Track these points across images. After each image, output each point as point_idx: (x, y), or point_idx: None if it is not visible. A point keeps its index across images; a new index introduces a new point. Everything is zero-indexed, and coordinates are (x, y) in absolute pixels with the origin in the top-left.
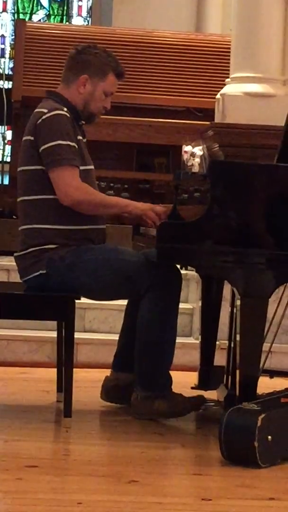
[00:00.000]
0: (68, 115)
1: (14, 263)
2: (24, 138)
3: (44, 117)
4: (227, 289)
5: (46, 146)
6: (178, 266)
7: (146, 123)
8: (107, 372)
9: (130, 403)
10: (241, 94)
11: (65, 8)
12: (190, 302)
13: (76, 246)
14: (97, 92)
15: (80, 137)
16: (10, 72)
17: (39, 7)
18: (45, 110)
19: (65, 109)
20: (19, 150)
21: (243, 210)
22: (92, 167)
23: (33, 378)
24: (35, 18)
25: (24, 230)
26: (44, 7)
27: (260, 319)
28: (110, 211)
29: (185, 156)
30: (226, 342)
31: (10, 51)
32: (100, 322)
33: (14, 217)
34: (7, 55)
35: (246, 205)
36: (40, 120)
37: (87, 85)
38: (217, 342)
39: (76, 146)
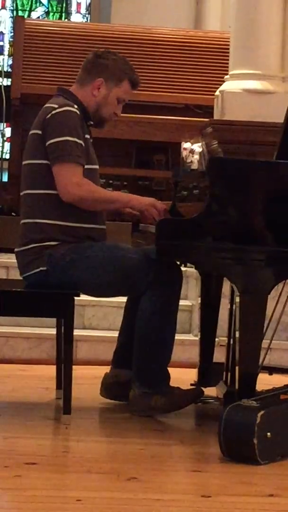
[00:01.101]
0: (78, 112)
1: (14, 260)
2: (32, 132)
3: (54, 112)
4: (226, 286)
5: (53, 141)
6: (178, 263)
7: (145, 120)
8: (107, 369)
9: (129, 400)
10: (240, 91)
11: (64, 5)
12: (189, 299)
13: (77, 243)
14: (110, 97)
15: (87, 136)
16: (9, 69)
17: (38, 4)
18: (56, 106)
19: (76, 106)
20: (18, 147)
21: (242, 207)
22: (97, 166)
23: (32, 375)
24: (34, 15)
25: (25, 224)
26: (43, 4)
27: (259, 316)
28: (112, 206)
29: (184, 153)
30: (226, 339)
31: (9, 48)
32: (100, 319)
33: (13, 214)
34: (6, 52)
35: (245, 202)
36: (49, 115)
37: (102, 89)
38: (217, 339)
39: (83, 144)
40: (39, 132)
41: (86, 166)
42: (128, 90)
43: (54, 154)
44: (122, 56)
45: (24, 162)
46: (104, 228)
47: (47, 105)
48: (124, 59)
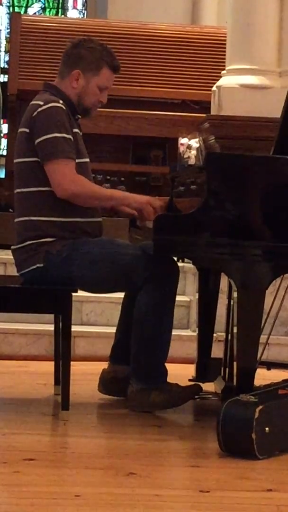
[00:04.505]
0: (64, 107)
1: (11, 257)
2: (20, 130)
3: (40, 109)
4: (224, 281)
5: (42, 138)
6: (175, 259)
7: (142, 115)
8: (105, 364)
9: (127, 395)
10: (237, 86)
11: (61, 1)
12: (187, 295)
13: (73, 239)
14: (90, 87)
15: (76, 130)
16: (6, 66)
17: (34, 0)
18: (41, 103)
19: (61, 101)
20: (15, 143)
21: (239, 202)
22: (87, 160)
23: (30, 371)
24: (31, 11)
25: (20, 222)
26: (39, 0)
27: (257, 311)
28: (107, 203)
29: (181, 149)
30: (224, 334)
31: (5, 44)
32: (97, 315)
33: (10, 210)
34: (2, 49)
35: (242, 197)
36: (36, 113)
37: (80, 80)
38: (214, 334)
39: (72, 139)
40: (27, 130)
41: (77, 160)
42: (108, 76)
43: (44, 152)
44: (100, 42)
45: (15, 161)
46: (99, 220)
47: (33, 102)
48: (102, 45)
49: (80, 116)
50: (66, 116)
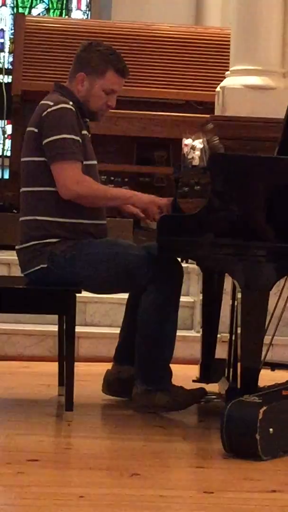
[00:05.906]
0: (73, 109)
1: (15, 257)
2: (28, 129)
3: (49, 110)
4: (228, 282)
5: (50, 139)
6: (179, 259)
7: (146, 116)
8: (109, 365)
9: (132, 396)
10: (241, 87)
11: (64, 2)
12: (191, 295)
13: (77, 240)
14: (94, 90)
15: (84, 132)
16: (10, 66)
17: (38, 1)
18: (51, 103)
19: (71, 103)
20: (19, 144)
21: (243, 202)
22: (95, 162)
23: (34, 372)
24: (35, 12)
25: (25, 221)
26: (43, 1)
27: (261, 312)
28: (112, 203)
29: (185, 149)
30: (227, 335)
31: (9, 45)
32: (101, 315)
33: (14, 211)
34: (6, 49)
35: (246, 198)
36: (45, 113)
37: (85, 83)
38: (218, 335)
39: (80, 140)
40: (35, 130)
41: (84, 162)
42: (114, 80)
43: (51, 152)
44: (109, 46)
45: (22, 159)
46: (104, 223)
47: (42, 102)
48: (110, 49)
49: (87, 119)
50: (75, 117)
